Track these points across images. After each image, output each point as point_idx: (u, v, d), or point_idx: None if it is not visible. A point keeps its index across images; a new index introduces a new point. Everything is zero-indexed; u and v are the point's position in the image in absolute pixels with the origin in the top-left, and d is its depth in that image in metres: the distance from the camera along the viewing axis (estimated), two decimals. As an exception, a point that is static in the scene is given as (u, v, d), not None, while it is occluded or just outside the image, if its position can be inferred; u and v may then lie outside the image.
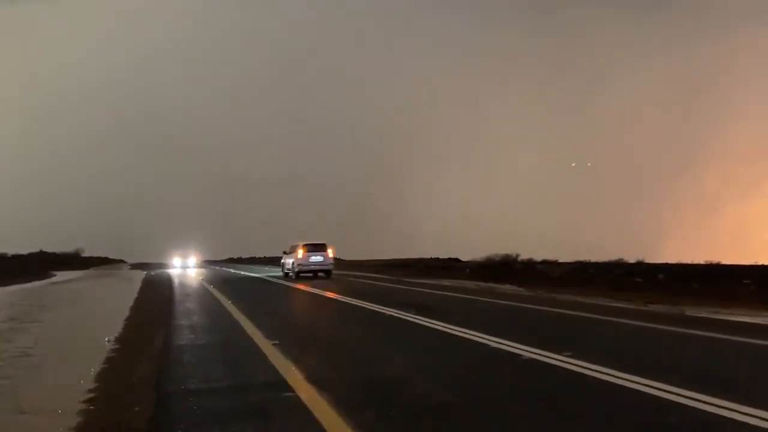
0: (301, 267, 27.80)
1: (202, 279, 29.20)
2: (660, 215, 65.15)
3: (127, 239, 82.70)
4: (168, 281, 27.75)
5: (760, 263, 18.53)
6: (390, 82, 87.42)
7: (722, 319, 9.94)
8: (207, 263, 62.68)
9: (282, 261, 31.28)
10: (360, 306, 13.35)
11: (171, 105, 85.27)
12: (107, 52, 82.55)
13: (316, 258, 27.91)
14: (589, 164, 61.90)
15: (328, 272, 28.32)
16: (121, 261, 73.87)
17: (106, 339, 8.90)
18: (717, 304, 11.66)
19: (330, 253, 28.45)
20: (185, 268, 49.69)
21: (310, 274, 27.91)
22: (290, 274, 28.79)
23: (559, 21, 76.45)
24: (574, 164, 58.94)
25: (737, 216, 57.52)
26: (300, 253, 27.83)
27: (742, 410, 4.38)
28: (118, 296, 18.88)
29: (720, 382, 5.38)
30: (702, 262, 19.79)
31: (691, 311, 11.01)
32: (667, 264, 20.58)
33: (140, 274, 35.65)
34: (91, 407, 5.12)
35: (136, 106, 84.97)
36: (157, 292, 20.11)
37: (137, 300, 16.70)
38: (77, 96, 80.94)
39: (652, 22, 70.88)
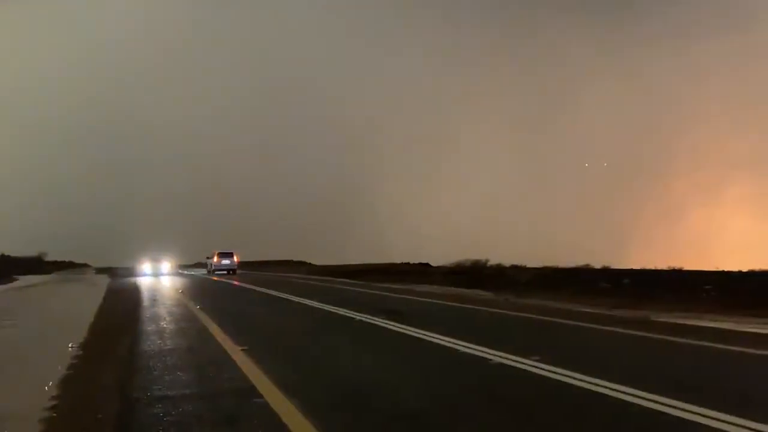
0: (215, 267, 41.87)
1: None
2: (626, 222, 66.59)
3: (93, 242, 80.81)
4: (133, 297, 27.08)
5: (720, 269, 19.06)
6: (360, 88, 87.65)
7: (684, 324, 10.20)
8: (181, 269, 56.53)
9: (206, 263, 45.93)
10: (331, 311, 13.31)
11: (141, 104, 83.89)
12: (70, 52, 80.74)
13: (226, 261, 42.09)
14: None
15: (234, 270, 41.78)
16: (86, 265, 72.20)
17: (70, 345, 8.70)
18: (679, 309, 11.97)
19: (236, 258, 42.54)
20: (157, 275, 40.79)
21: (224, 272, 41.02)
22: (209, 272, 42.38)
23: (530, 25, 77.65)
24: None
25: (700, 223, 59.12)
26: (215, 258, 42.15)
27: (701, 412, 4.53)
28: (82, 301, 18.44)
29: (684, 386, 5.53)
30: (665, 267, 20.27)
31: (655, 316, 11.27)
32: (632, 269, 21.01)
33: (105, 281, 34.89)
34: (54, 414, 5.01)
35: (102, 104, 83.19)
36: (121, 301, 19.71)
37: (102, 305, 16.34)
38: (38, 95, 78.89)
39: (622, 32, 72.48)
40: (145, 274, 40.75)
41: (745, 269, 18.92)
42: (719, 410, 4.53)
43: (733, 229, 54.32)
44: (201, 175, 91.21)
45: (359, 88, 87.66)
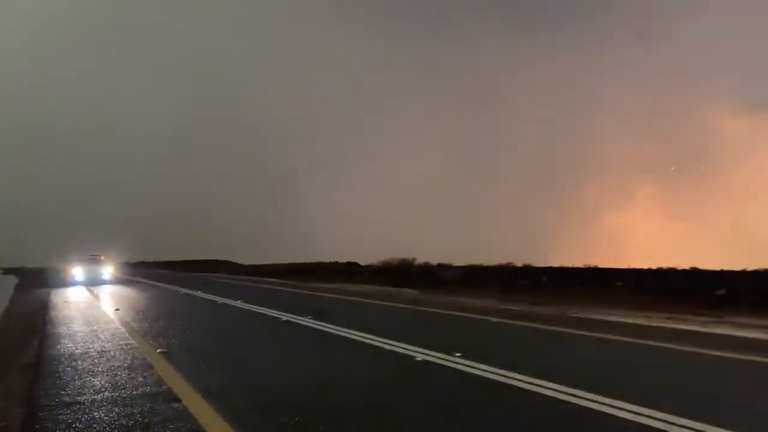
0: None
1: None
2: (544, 222, 69.18)
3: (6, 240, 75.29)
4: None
5: (632, 267, 20.19)
6: (286, 88, 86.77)
7: (598, 319, 10.69)
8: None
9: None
10: (258, 312, 13.08)
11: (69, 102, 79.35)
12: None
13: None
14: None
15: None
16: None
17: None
18: (594, 305, 12.56)
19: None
20: (92, 284, 27.43)
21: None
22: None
23: (454, 35, 79.42)
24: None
25: (612, 224, 62.34)
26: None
27: (609, 403, 4.77)
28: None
29: (590, 379, 5.80)
30: (581, 265, 21.26)
31: (571, 312, 11.77)
32: (551, 267, 21.89)
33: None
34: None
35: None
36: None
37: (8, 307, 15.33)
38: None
39: (540, 38, 75.41)
40: (76, 283, 28.41)
41: (654, 267, 20.16)
42: (622, 400, 4.79)
43: (642, 230, 57.70)
44: (123, 172, 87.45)
45: (285, 87, 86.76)
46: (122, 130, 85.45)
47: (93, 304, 16.13)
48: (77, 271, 29.82)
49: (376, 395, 5.39)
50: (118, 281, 30.19)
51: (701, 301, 12.04)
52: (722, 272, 17.68)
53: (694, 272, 18.61)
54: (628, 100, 67.35)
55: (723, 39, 59.65)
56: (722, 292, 12.42)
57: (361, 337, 8.65)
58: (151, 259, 79.08)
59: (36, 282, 31.66)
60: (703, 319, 10.29)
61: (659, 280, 16.48)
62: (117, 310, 14.13)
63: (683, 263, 19.96)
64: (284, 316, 11.67)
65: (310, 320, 10.86)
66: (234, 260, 64.25)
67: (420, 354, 7.12)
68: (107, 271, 31.11)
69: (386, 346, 7.78)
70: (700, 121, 60.16)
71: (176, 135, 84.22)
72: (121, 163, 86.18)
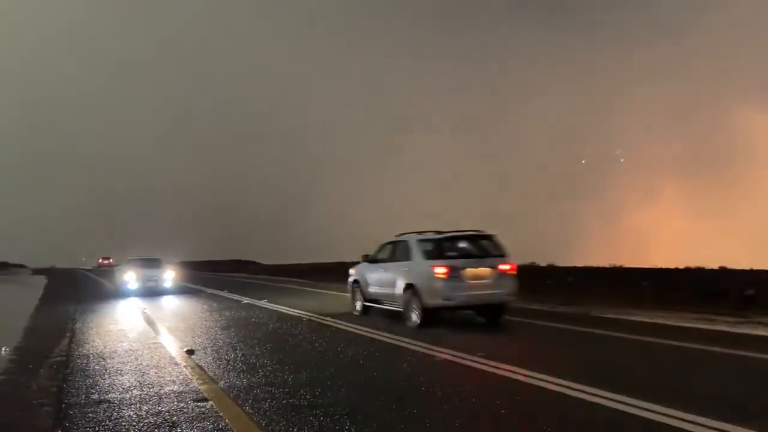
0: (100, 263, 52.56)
1: None
2: (568, 222, 68.46)
3: (33, 239, 77.02)
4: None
5: (657, 266, 19.88)
6: (306, 88, 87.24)
7: (622, 319, 10.56)
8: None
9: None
10: (283, 311, 13.17)
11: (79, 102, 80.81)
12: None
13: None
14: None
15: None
16: (21, 266, 68.96)
17: (3, 348, 8.30)
18: (619, 305, 12.39)
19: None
20: (152, 294, 20.34)
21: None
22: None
23: (477, 23, 79.01)
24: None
25: (639, 223, 61.44)
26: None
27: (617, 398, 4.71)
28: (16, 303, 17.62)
29: (613, 380, 5.74)
30: (606, 265, 20.98)
31: (596, 312, 11.64)
32: (575, 267, 21.64)
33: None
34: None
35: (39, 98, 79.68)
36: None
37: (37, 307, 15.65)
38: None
39: (573, 43, 74.82)
40: (129, 293, 20.84)
41: (681, 266, 19.80)
42: (646, 401, 4.73)
43: (668, 229, 56.75)
44: (136, 175, 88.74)
45: (307, 90, 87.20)
46: (145, 136, 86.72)
47: (124, 306, 16.39)
48: (130, 277, 21.58)
49: (396, 396, 5.38)
50: (182, 291, 22.34)
51: (730, 301, 11.80)
52: (751, 271, 17.31)
53: (723, 271, 18.26)
54: (653, 98, 66.35)
55: (751, 34, 58.34)
56: (751, 291, 12.15)
57: (382, 336, 8.68)
58: (173, 260, 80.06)
59: (70, 286, 30.31)
60: (731, 319, 10.08)
61: (686, 279, 16.19)
62: (144, 309, 14.37)
63: (711, 262, 19.56)
64: (306, 316, 11.75)
65: (330, 320, 10.92)
66: (257, 260, 64.80)
67: (440, 353, 7.14)
68: (169, 276, 22.66)
69: (410, 346, 7.79)
70: (728, 118, 58.98)
71: (198, 139, 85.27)
72: (143, 166, 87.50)
